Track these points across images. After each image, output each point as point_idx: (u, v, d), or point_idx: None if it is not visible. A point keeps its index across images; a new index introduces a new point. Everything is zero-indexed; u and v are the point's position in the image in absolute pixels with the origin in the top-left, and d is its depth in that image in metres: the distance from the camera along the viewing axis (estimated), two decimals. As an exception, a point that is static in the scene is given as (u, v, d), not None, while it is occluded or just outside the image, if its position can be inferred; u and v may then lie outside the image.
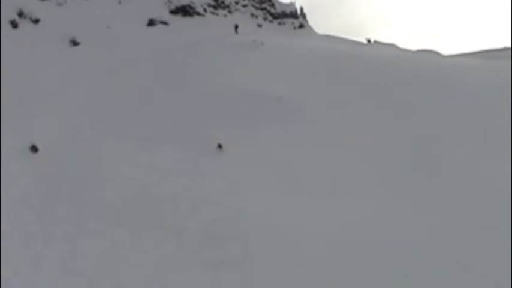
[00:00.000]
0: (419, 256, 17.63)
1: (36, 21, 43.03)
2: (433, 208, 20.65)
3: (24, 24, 41.87)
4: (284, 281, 16.76)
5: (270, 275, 16.99)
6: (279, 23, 62.00)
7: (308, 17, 65.60)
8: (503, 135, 25.19)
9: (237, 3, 61.48)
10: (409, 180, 22.90)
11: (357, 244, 18.46)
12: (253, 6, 62.24)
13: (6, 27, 40.38)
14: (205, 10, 57.38)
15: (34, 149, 25.10)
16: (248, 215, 20.31)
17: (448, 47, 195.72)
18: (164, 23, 51.33)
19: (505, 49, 54.45)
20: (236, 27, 48.68)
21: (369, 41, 55.28)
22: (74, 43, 40.80)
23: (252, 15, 61.04)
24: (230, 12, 59.75)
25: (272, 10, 62.88)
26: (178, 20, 52.56)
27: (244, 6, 61.73)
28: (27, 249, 18.25)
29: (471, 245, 18.09)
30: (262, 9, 62.48)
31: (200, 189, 22.43)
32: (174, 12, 54.28)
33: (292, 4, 64.57)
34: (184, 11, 54.99)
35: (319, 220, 20.04)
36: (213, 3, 59.12)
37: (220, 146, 25.43)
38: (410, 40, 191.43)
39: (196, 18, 55.12)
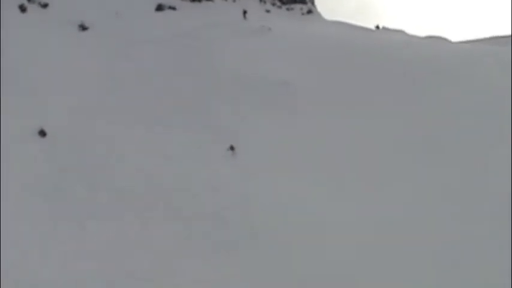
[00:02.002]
0: (431, 245, 17.74)
1: (45, 5, 42.90)
2: (443, 197, 20.72)
3: (33, 9, 41.75)
4: (291, 265, 16.86)
5: (277, 259, 17.11)
6: (287, 9, 61.59)
7: (316, 3, 65.31)
8: (506, 121, 25.21)
9: (245, -12, 61.16)
10: (417, 166, 22.96)
11: (363, 230, 18.56)
12: (262, -9, 61.91)
13: (15, 11, 40.35)
14: (213, -5, 57.12)
15: (42, 133, 25.21)
16: (256, 201, 20.41)
17: (455, 33, 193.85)
18: (172, 8, 50.99)
19: (512, 36, 54.05)
20: (244, 12, 48.53)
21: (377, 27, 55.15)
22: (83, 28, 40.70)
23: (261, 0, 60.62)
24: (238, -3, 59.47)
25: (280, -5, 62.57)
26: (187, 5, 52.23)
27: (253, -9, 61.41)
28: (35, 232, 18.35)
29: (474, 232, 18.20)
30: (271, -6, 62.16)
31: (209, 175, 22.53)
32: (182, -3, 54.05)
33: (300, -10, 64.22)
34: (193, -4, 54.74)
35: (326, 206, 20.14)
36: (221, -12, 58.84)
37: (232, 148, 24.63)
38: (417, 26, 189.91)
39: (204, 3, 54.77)
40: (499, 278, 15.97)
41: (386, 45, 38.06)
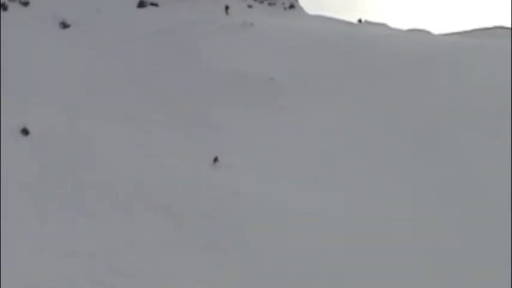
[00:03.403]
0: (429, 245, 17.74)
1: (26, 3, 42.63)
2: (433, 192, 20.82)
3: (14, 7, 41.45)
4: (278, 263, 16.86)
5: (266, 258, 17.07)
6: (269, 4, 61.51)
7: (300, -2, 65.32)
8: (494, 115, 25.44)
9: (227, -16, 61.02)
10: (409, 163, 23.08)
11: (354, 229, 18.55)
12: (243, -13, 61.84)
13: (-5, 10, 40.08)
14: (195, -9, 56.94)
15: (25, 131, 25.04)
16: (244, 199, 20.40)
17: (442, 26, 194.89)
18: (155, 4, 50.78)
19: (495, 28, 54.59)
20: (226, 8, 48.55)
21: (360, 21, 55.33)
22: (64, 25, 40.51)
23: (242, -4, 60.66)
24: (220, -7, 59.33)
25: (262, -9, 62.52)
26: (169, 2, 52.00)
27: (234, -13, 61.32)
28: (23, 231, 18.22)
29: (470, 230, 18.33)
30: (253, -11, 62.11)
31: (196, 172, 22.51)
32: (164, -7, 53.83)
33: (282, -16, 64.17)
34: (175, -8, 54.56)
35: (315, 203, 20.16)
36: (203, -16, 58.67)
37: (216, 159, 23.59)
38: (405, 20, 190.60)
39: (186, -1, 54.75)
40: (499, 278, 15.97)
41: (368, 39, 38.22)
